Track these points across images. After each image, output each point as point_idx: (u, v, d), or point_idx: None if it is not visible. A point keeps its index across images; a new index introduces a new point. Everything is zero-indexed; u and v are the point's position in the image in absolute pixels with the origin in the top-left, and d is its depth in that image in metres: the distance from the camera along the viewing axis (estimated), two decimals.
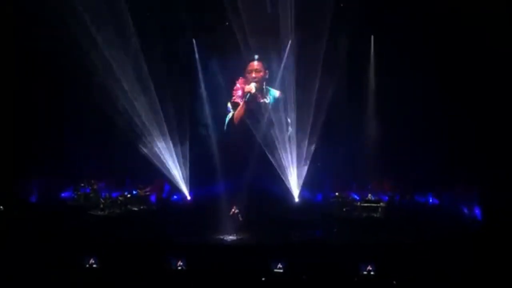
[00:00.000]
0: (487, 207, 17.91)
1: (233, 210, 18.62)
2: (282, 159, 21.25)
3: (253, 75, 21.56)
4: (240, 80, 21.76)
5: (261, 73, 21.70)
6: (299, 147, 21.51)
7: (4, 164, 19.16)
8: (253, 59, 21.48)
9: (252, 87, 20.83)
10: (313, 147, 20.83)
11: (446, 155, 19.24)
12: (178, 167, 21.42)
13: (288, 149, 21.52)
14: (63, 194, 20.89)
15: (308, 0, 19.57)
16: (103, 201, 19.85)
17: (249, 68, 21.84)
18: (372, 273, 13.44)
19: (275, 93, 21.39)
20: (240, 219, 18.40)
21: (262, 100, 21.79)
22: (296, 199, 21.00)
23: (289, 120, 21.02)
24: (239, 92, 21.65)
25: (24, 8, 19.08)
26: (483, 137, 18.40)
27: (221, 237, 17.88)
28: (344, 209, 20.20)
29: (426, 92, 19.75)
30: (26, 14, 19.21)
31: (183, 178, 21.43)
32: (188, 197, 21.23)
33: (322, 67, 21.25)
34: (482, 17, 17.97)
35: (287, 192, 20.96)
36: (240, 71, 21.59)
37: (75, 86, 20.63)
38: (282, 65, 21.10)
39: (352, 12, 19.73)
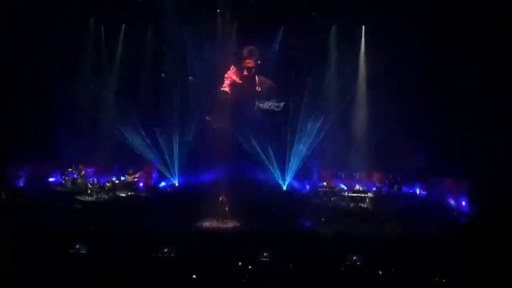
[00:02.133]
0: (475, 200, 18.03)
1: (220, 198, 18.65)
2: (270, 148, 21.48)
3: (246, 73, 21.86)
4: (232, 69, 21.86)
5: (253, 67, 21.91)
6: (289, 134, 21.75)
7: None
8: (246, 54, 21.69)
9: None
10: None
11: (435, 147, 19.32)
12: (167, 154, 21.57)
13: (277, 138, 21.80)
14: (50, 179, 20.86)
15: None
16: (90, 187, 19.79)
17: (242, 64, 21.97)
18: (358, 263, 13.49)
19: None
20: (226, 208, 18.43)
21: (253, 90, 21.95)
22: (284, 188, 21.23)
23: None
24: (228, 81, 21.87)
25: (22, 10, 19.17)
26: (472, 131, 18.45)
27: (208, 225, 18.00)
28: (332, 199, 20.27)
29: (417, 84, 19.84)
30: (25, 17, 19.35)
31: (172, 165, 21.58)
32: (176, 184, 21.38)
33: (313, 56, 21.42)
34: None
35: (276, 181, 21.13)
36: (229, 57, 21.79)
37: (63, 74, 20.66)
38: (273, 53, 21.24)
39: (344, 3, 19.79)
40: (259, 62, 21.41)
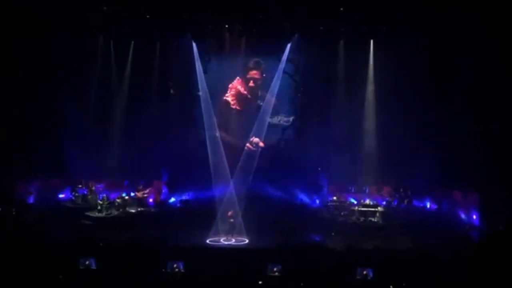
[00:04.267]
0: (486, 213, 17.90)
1: (229, 213, 18.66)
2: (278, 161, 21.53)
3: (251, 84, 21.95)
4: (238, 80, 21.96)
5: (259, 82, 22.01)
6: (296, 149, 21.76)
7: (2, 166, 19.14)
8: (252, 65, 21.81)
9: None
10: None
11: (445, 161, 19.22)
12: (176, 169, 21.61)
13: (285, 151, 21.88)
14: (60, 195, 20.92)
15: (309, 4, 19.54)
16: (100, 203, 19.84)
17: (248, 76, 21.93)
18: (368, 277, 13.43)
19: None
20: (235, 223, 18.43)
21: (256, 103, 22.08)
22: (295, 203, 21.15)
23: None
24: (233, 91, 22.02)
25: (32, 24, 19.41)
26: (482, 144, 18.35)
27: (218, 240, 18.00)
28: (342, 213, 20.22)
29: (426, 98, 19.82)
30: (34, 32, 19.60)
31: (183, 180, 21.60)
32: (187, 199, 21.38)
33: (321, 69, 21.48)
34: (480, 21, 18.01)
35: (286, 196, 21.07)
36: (237, 71, 21.95)
37: (73, 90, 20.83)
38: (281, 68, 21.31)
39: (351, 17, 19.82)
40: (264, 75, 21.56)
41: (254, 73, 21.64)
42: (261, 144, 21.43)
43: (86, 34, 20.49)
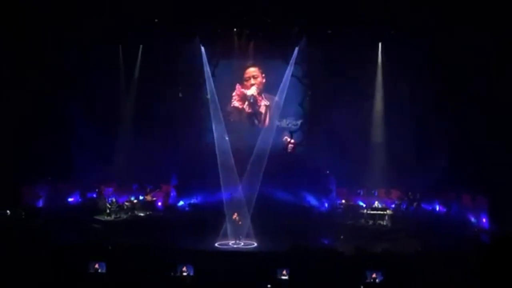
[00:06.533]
0: (495, 216, 17.80)
1: (234, 216, 18.69)
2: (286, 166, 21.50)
3: (252, 81, 21.99)
4: (238, 86, 22.01)
5: (259, 79, 22.06)
6: (305, 152, 21.78)
7: (11, 170, 19.22)
8: (249, 65, 21.92)
9: (253, 90, 21.65)
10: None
11: (454, 163, 19.14)
12: (185, 172, 21.63)
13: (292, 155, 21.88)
14: (69, 199, 20.99)
15: (316, 8, 19.55)
16: (109, 206, 19.89)
17: (246, 75, 22.20)
18: (377, 281, 13.39)
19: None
20: (239, 223, 18.47)
21: (262, 103, 22.09)
22: (304, 206, 21.11)
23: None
24: (237, 97, 22.04)
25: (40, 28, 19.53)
26: (491, 146, 18.26)
27: (227, 243, 18.02)
28: (351, 217, 20.18)
29: (435, 101, 19.77)
30: (42, 36, 19.72)
31: (191, 183, 21.60)
32: (196, 202, 21.39)
33: (329, 74, 21.45)
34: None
35: (294, 199, 21.05)
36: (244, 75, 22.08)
37: (81, 92, 20.90)
38: (289, 71, 21.30)
39: (359, 19, 19.80)
40: (263, 75, 21.66)
41: (252, 71, 21.71)
42: (291, 140, 21.77)
43: (94, 38, 20.58)
